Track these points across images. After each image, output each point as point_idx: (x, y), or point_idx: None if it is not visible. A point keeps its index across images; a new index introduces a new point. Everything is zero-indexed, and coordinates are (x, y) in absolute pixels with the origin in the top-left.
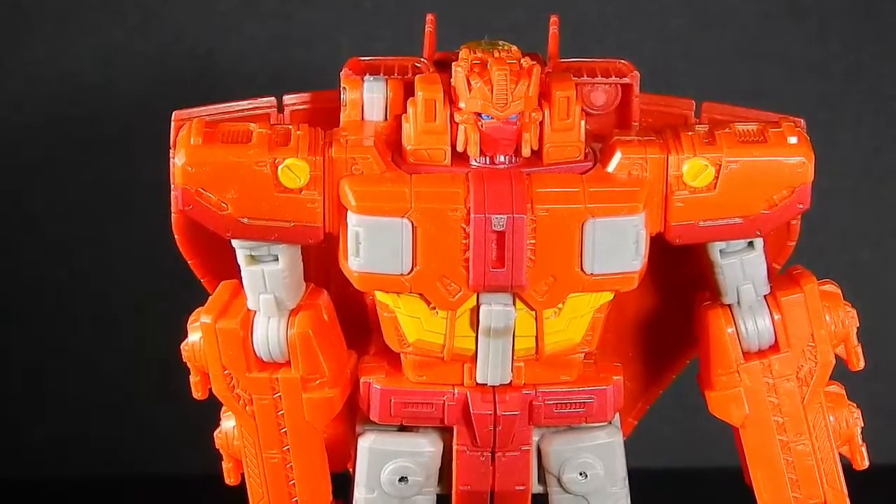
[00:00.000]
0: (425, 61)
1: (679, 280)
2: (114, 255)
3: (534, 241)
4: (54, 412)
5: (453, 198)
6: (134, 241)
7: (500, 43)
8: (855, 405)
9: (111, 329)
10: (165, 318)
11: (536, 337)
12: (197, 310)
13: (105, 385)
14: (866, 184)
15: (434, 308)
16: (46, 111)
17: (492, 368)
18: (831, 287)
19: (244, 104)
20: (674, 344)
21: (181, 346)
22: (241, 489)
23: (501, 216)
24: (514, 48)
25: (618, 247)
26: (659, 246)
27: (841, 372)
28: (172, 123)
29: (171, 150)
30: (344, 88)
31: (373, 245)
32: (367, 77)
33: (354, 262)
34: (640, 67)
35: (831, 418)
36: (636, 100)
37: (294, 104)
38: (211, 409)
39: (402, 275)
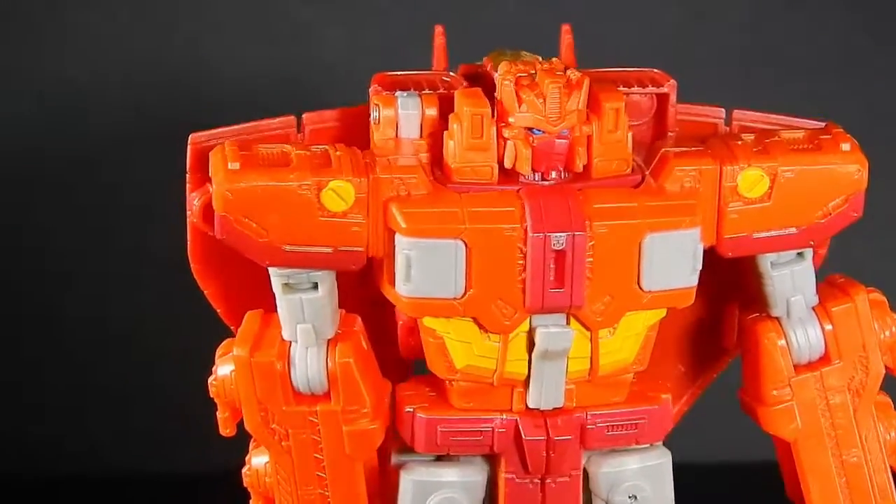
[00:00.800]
0: (454, 75)
1: (708, 290)
2: (113, 258)
3: (591, 259)
4: (52, 410)
5: (509, 216)
6: (135, 243)
7: (524, 53)
8: None
9: (112, 330)
10: (166, 318)
11: (591, 358)
12: (225, 342)
13: (103, 383)
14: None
15: (486, 332)
16: (50, 122)
17: (545, 392)
18: (878, 296)
19: (262, 124)
20: (703, 356)
21: (209, 382)
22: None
23: (561, 234)
24: (557, 60)
25: (676, 262)
26: None
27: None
28: (189, 147)
29: (187, 175)
30: (376, 105)
31: (425, 268)
32: (399, 93)
33: (405, 288)
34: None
35: (881, 428)
36: (672, 109)
37: (315, 124)
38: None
39: (455, 298)
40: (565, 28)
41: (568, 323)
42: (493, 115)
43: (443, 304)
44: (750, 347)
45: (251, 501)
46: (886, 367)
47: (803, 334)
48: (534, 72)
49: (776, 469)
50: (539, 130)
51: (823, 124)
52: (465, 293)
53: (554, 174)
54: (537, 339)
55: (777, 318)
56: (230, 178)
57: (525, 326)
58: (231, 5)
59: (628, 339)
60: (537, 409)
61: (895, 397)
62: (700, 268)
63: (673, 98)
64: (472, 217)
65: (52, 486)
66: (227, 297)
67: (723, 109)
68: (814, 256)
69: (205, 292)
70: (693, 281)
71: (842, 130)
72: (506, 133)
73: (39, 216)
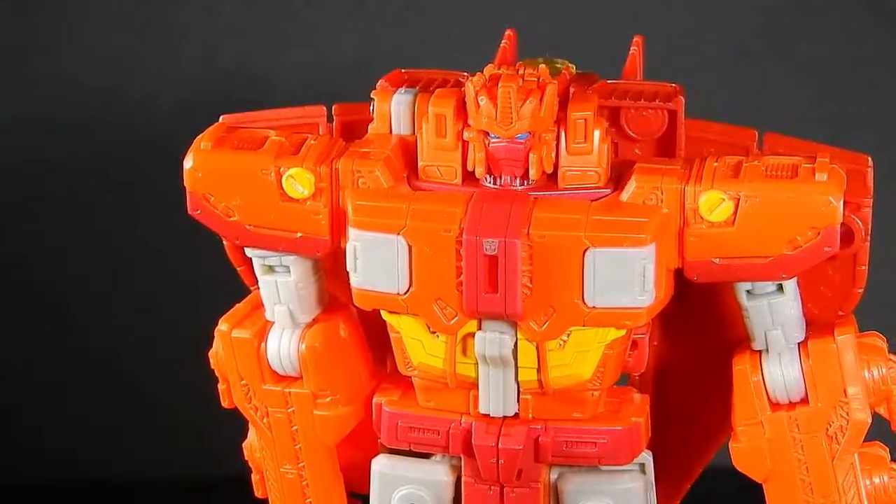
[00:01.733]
0: (469, 75)
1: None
2: (117, 258)
3: (531, 268)
4: (54, 417)
5: (449, 217)
6: (137, 245)
7: (559, 60)
8: None
9: (112, 332)
10: (166, 320)
11: (539, 369)
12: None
13: (106, 389)
14: None
15: (434, 332)
16: (71, 116)
17: (493, 398)
18: (874, 339)
19: (293, 112)
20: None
21: (209, 354)
22: (241, 493)
23: (493, 240)
24: (545, 67)
25: (621, 280)
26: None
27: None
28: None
29: None
30: (372, 99)
31: (369, 261)
32: (398, 90)
33: (353, 278)
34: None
35: (867, 482)
36: (681, 127)
37: (346, 115)
38: (214, 414)
39: (398, 294)
40: (636, 39)
41: (517, 332)
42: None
43: (388, 298)
44: (733, 380)
45: (252, 475)
46: (885, 419)
47: (779, 371)
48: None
49: None
50: (495, 135)
51: (864, 159)
52: (408, 290)
53: (507, 179)
54: (476, 343)
55: (758, 352)
56: (198, 157)
57: (471, 328)
58: (248, 6)
59: (581, 355)
60: (494, 415)
61: None
62: (652, 289)
63: (681, 115)
64: (414, 214)
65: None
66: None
67: (755, 132)
68: (849, 295)
69: (237, 269)
70: (643, 302)
71: (827, 160)
72: (465, 135)
73: (48, 220)
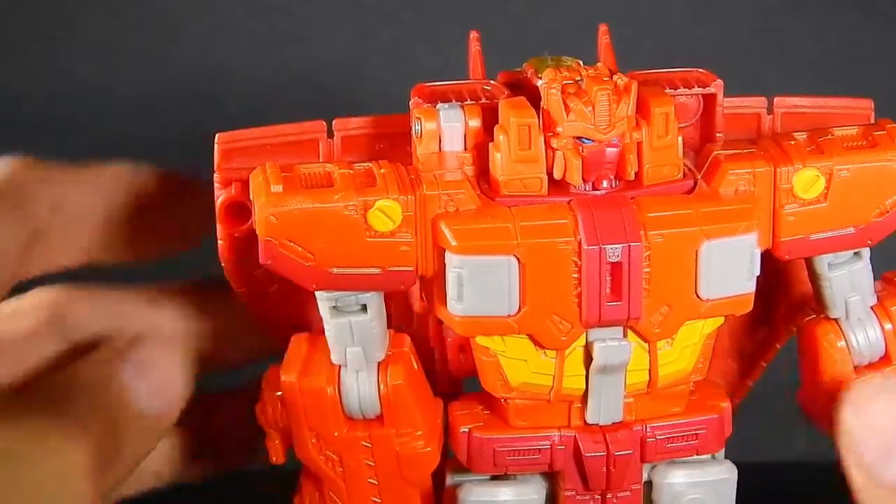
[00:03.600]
0: (495, 83)
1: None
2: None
3: (648, 270)
4: None
5: (562, 230)
6: None
7: (564, 58)
8: None
9: None
10: None
11: (650, 370)
12: (271, 368)
13: None
14: None
15: (542, 348)
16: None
17: (604, 407)
18: None
19: (292, 128)
20: (752, 350)
21: (256, 410)
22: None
23: (616, 246)
24: (574, 62)
25: (733, 268)
26: None
27: None
28: (216, 146)
29: (213, 174)
30: (418, 119)
31: (477, 287)
32: (440, 105)
33: (458, 307)
34: (637, 64)
35: None
36: (720, 109)
37: (345, 130)
38: None
39: (509, 315)
40: (602, 28)
41: (625, 335)
42: (539, 125)
43: (497, 321)
44: (808, 350)
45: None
46: None
47: (863, 335)
48: (580, 78)
49: (789, 470)
50: (589, 139)
51: (867, 102)
52: (519, 310)
53: (605, 183)
54: (595, 354)
55: (836, 320)
56: (273, 201)
57: (581, 341)
58: (241, 6)
59: (686, 349)
60: (603, 423)
61: None
62: (758, 273)
63: (720, 98)
64: (524, 232)
65: None
66: (260, 298)
67: (764, 98)
68: None
69: (238, 292)
70: (750, 287)
71: None
72: (554, 143)
73: None
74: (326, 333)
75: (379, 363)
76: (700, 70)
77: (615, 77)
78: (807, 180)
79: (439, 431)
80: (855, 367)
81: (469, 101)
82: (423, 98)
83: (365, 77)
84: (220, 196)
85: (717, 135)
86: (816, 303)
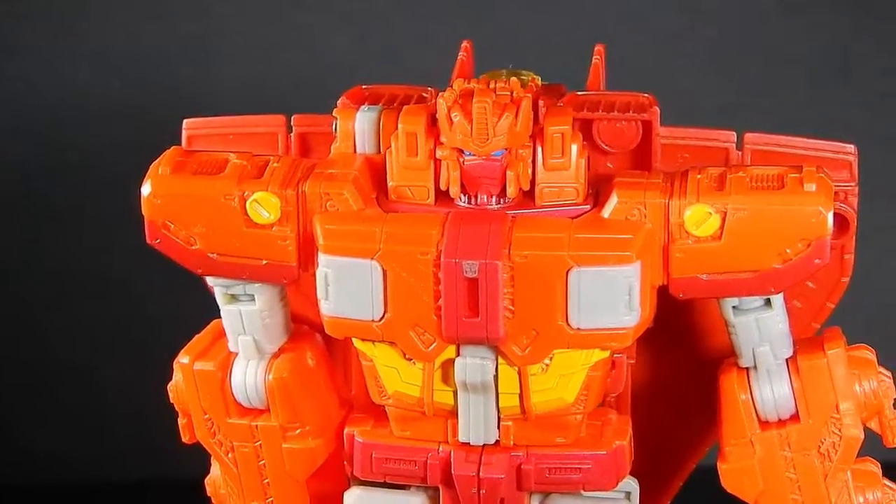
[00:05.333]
0: (432, 90)
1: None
2: (115, 259)
3: (512, 291)
4: (54, 418)
5: (425, 239)
6: (135, 246)
7: (524, 72)
8: (894, 484)
9: (112, 334)
10: (167, 321)
11: (521, 395)
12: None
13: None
14: None
15: (410, 359)
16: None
17: (473, 426)
18: (864, 353)
19: (253, 120)
20: (709, 412)
21: (167, 387)
22: None
23: (473, 262)
24: (517, 80)
25: (607, 300)
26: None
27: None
28: (183, 131)
29: None
30: (335, 118)
31: (341, 288)
32: (363, 107)
33: (324, 306)
34: (632, 66)
35: (860, 499)
36: (657, 138)
37: (305, 126)
38: None
39: (372, 321)
40: (597, 49)
41: (498, 357)
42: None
43: (362, 325)
44: (718, 398)
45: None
46: (876, 433)
47: (769, 389)
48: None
49: None
50: (469, 152)
51: (850, 147)
52: (382, 316)
53: (487, 198)
54: (455, 370)
55: (746, 370)
56: (156, 182)
57: (450, 354)
58: (234, 7)
59: (564, 378)
60: (474, 443)
61: None
62: (638, 308)
63: (656, 126)
64: (389, 238)
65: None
66: None
67: (733, 133)
68: (836, 285)
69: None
70: (629, 322)
71: (815, 169)
72: (438, 153)
73: (40, 219)
74: (223, 321)
75: (273, 355)
76: (645, 94)
77: (515, 91)
78: (698, 216)
79: (333, 431)
80: (762, 422)
81: (396, 106)
82: (353, 100)
83: (354, 83)
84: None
85: (655, 164)
86: (732, 349)
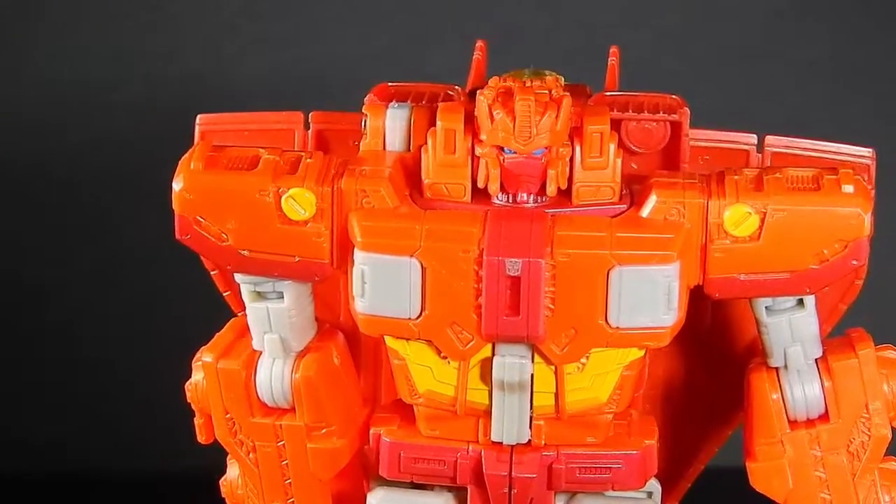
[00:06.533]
0: (459, 88)
1: (737, 343)
2: (116, 255)
3: (553, 289)
4: (55, 409)
5: (466, 237)
6: (137, 241)
7: (547, 72)
8: None
9: (113, 329)
10: (166, 321)
11: (556, 394)
12: (202, 348)
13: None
14: None
15: (445, 357)
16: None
17: (507, 426)
18: (890, 353)
19: (270, 116)
20: (721, 412)
21: (185, 386)
22: None
23: (517, 260)
24: (553, 78)
25: (647, 299)
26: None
27: None
28: (197, 126)
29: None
30: (365, 115)
31: (379, 285)
32: (391, 104)
33: (360, 304)
34: (636, 66)
35: (886, 498)
36: (686, 139)
37: (322, 123)
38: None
39: (409, 319)
40: (613, 50)
41: (533, 356)
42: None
43: (398, 323)
44: (746, 398)
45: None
46: None
47: (800, 389)
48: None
49: None
50: (510, 150)
51: (868, 150)
52: (420, 314)
53: (525, 196)
54: (493, 369)
55: (776, 369)
56: (189, 177)
57: (485, 353)
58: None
59: (599, 378)
60: (507, 443)
61: None
62: (676, 307)
63: (686, 127)
64: (429, 235)
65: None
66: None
67: (754, 135)
68: (850, 287)
69: (223, 294)
70: (667, 321)
71: (851, 171)
72: (477, 151)
73: (46, 217)
74: (248, 318)
75: (298, 354)
76: (673, 96)
77: (553, 91)
78: (738, 216)
79: (358, 431)
80: (791, 422)
81: (424, 104)
82: (381, 97)
83: (367, 80)
84: None
85: (683, 165)
86: (761, 349)
